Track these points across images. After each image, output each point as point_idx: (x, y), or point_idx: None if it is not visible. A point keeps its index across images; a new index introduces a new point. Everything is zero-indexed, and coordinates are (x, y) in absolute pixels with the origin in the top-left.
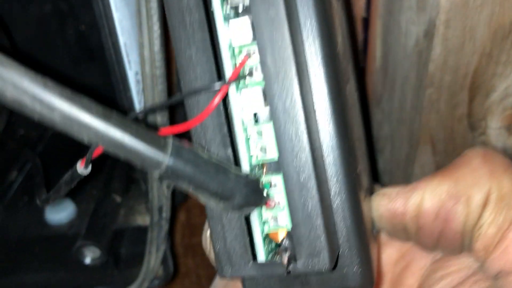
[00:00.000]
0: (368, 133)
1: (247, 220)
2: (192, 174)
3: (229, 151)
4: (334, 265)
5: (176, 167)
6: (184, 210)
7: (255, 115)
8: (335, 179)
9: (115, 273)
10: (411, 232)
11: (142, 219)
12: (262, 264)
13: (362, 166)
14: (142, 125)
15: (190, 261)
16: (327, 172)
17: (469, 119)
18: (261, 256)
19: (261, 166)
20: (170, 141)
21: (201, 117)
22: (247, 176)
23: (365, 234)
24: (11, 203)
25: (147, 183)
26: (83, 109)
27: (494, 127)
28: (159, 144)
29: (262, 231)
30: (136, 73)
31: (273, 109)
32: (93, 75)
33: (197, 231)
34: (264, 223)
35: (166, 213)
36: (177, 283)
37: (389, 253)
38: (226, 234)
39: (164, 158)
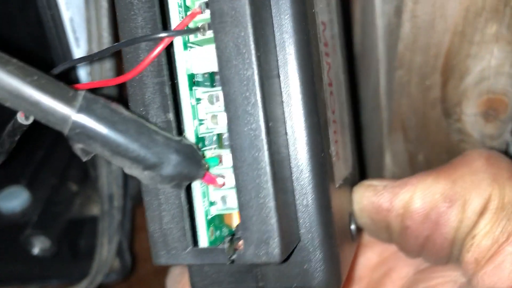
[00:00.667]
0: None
1: (190, 199)
2: (107, 133)
3: (170, 116)
4: (288, 257)
5: (85, 123)
6: None
7: (210, 74)
8: (298, 158)
9: (72, 266)
10: (394, 232)
11: (98, 209)
12: (201, 251)
13: (341, 152)
14: (49, 77)
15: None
16: (289, 149)
17: (442, 104)
18: (203, 241)
19: (218, 137)
20: (81, 93)
21: (137, 69)
22: (180, 140)
23: (332, 226)
24: None
25: (96, 169)
26: None
27: (469, 113)
28: (65, 96)
29: (207, 213)
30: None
31: (224, 73)
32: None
33: None
34: (211, 203)
35: (117, 202)
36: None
37: (369, 256)
38: (162, 214)
39: (70, 112)
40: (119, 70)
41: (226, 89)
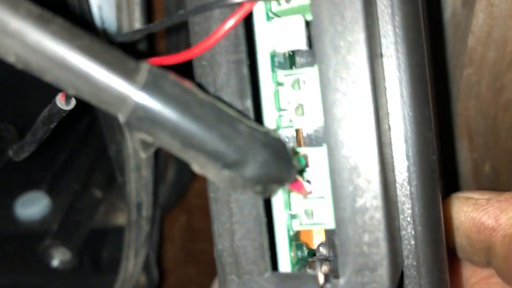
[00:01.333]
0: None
1: (268, 210)
2: (178, 119)
3: (248, 103)
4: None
5: (150, 104)
6: (185, 212)
7: (291, 55)
8: (404, 161)
9: (93, 280)
10: (497, 256)
11: (125, 218)
12: (284, 277)
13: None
14: (103, 42)
15: (191, 269)
16: (392, 149)
17: None
18: (285, 265)
19: (296, 133)
20: (146, 66)
21: (208, 43)
22: (266, 132)
23: (442, 247)
24: None
25: (124, 174)
26: (2, 3)
27: None
28: (125, 67)
29: (289, 229)
30: None
31: (320, 48)
32: None
33: (200, 236)
34: (293, 217)
35: (146, 211)
36: None
37: (454, 281)
38: (234, 227)
39: (131, 89)
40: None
41: (323, 68)
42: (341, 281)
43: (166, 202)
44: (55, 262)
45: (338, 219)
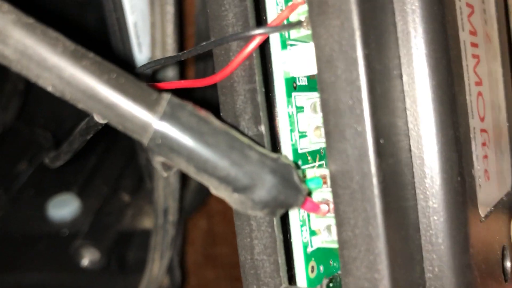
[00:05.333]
0: None
1: (287, 227)
2: (193, 146)
3: (262, 128)
4: None
5: (168, 133)
6: (205, 216)
7: (308, 80)
8: (425, 183)
9: (119, 280)
10: None
11: (151, 222)
12: None
13: (492, 170)
14: (129, 75)
15: (210, 272)
16: (413, 171)
17: None
18: (301, 280)
19: (313, 157)
20: (166, 97)
21: (224, 72)
22: (276, 158)
23: (470, 271)
24: (16, 195)
25: (152, 181)
26: (43, 41)
27: None
28: (147, 99)
29: (306, 245)
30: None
31: (322, 77)
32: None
33: (219, 240)
34: (313, 233)
35: (173, 216)
36: None
37: None
38: (254, 242)
39: (152, 118)
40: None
41: (324, 97)
42: None
43: (189, 207)
44: (85, 262)
45: (340, 242)
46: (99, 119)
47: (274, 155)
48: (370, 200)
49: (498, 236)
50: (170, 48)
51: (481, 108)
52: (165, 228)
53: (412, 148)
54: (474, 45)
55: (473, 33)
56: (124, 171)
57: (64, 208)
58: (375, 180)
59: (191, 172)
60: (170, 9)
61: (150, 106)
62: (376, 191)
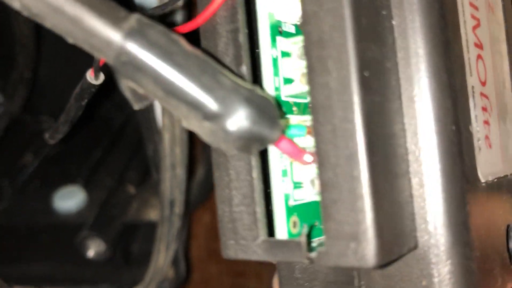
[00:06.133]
0: None
1: (266, 176)
2: (160, 65)
3: (243, 69)
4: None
5: (133, 51)
6: (209, 211)
7: (296, 29)
8: (416, 129)
9: (124, 271)
10: None
11: (156, 214)
12: (274, 244)
13: (496, 140)
14: None
15: (213, 267)
16: (403, 116)
17: None
18: (282, 233)
19: (299, 107)
20: (135, 16)
21: (206, 13)
22: (252, 89)
23: (468, 231)
24: (22, 187)
25: (159, 172)
26: None
27: None
28: (115, 14)
29: (287, 197)
30: None
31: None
32: None
33: None
34: (296, 186)
35: (179, 208)
36: None
37: None
38: (232, 193)
39: (117, 35)
40: None
41: (307, 29)
42: (328, 250)
43: (194, 201)
44: (90, 253)
45: (322, 183)
46: (91, 79)
47: (249, 86)
48: (352, 136)
49: (502, 211)
50: None
51: (482, 72)
52: (171, 220)
53: (402, 90)
54: (473, 6)
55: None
56: (130, 163)
57: (69, 199)
58: (357, 114)
59: (159, 96)
60: None
61: (117, 22)
62: (359, 125)
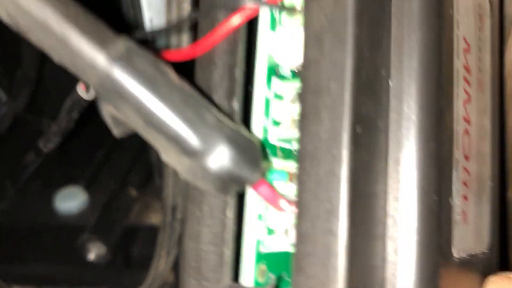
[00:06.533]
0: None
1: (240, 219)
2: (143, 95)
3: (235, 104)
4: None
5: (118, 78)
6: None
7: (292, 75)
8: (398, 194)
9: (124, 274)
10: None
11: (157, 218)
12: None
13: (471, 217)
14: (88, 12)
15: None
16: (387, 179)
17: None
18: (248, 280)
19: (284, 153)
20: (124, 40)
21: (207, 42)
22: (236, 129)
23: None
24: (23, 186)
25: (162, 178)
26: None
27: None
28: (103, 37)
29: (259, 243)
30: None
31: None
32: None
33: None
34: (270, 232)
35: (180, 214)
36: None
37: None
38: (202, 229)
39: (103, 58)
40: None
41: (306, 74)
42: None
43: None
44: (91, 256)
45: (298, 235)
46: (82, 93)
47: (234, 125)
48: (336, 190)
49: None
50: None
51: (467, 146)
52: (173, 226)
53: (389, 152)
54: (467, 81)
55: (467, 68)
56: (132, 167)
57: (71, 201)
58: (344, 169)
59: (139, 126)
60: None
61: (104, 46)
62: (344, 181)
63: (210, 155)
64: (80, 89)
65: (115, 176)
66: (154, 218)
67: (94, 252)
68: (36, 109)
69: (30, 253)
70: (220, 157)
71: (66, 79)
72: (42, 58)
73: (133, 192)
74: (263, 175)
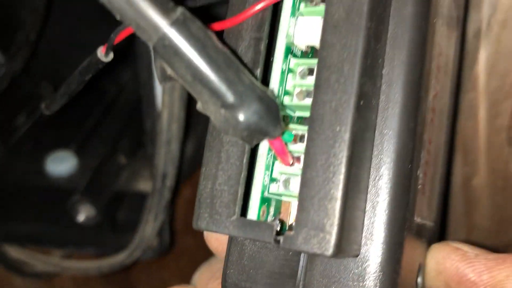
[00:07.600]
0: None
1: (252, 167)
2: (195, 54)
3: (258, 72)
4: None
5: (175, 38)
6: (189, 186)
7: (310, 52)
8: (380, 158)
9: (109, 237)
10: None
11: (145, 185)
12: (248, 223)
13: (427, 191)
14: None
15: (189, 240)
16: (373, 148)
17: (508, 133)
18: (253, 214)
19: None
20: (180, 9)
21: (238, 18)
22: (265, 90)
23: (399, 251)
24: (14, 147)
25: (154, 146)
26: None
27: None
28: (164, 5)
29: (264, 188)
30: None
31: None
32: None
33: None
34: (272, 180)
35: (170, 182)
36: (172, 260)
37: None
38: (218, 173)
39: (164, 22)
40: None
41: (324, 54)
42: (295, 235)
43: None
44: (81, 217)
45: (303, 180)
46: (101, 56)
47: (263, 87)
48: (340, 147)
49: (418, 254)
50: None
51: (431, 133)
52: (162, 192)
53: (377, 126)
54: (437, 79)
55: (438, 68)
56: (122, 134)
57: (61, 164)
58: (348, 131)
59: (187, 80)
60: None
61: (166, 11)
62: (346, 140)
63: (243, 110)
64: (100, 52)
65: (105, 142)
66: (142, 185)
67: (83, 214)
68: (31, 71)
69: (18, 212)
70: (251, 112)
71: (65, 48)
72: (45, 23)
73: (123, 159)
74: (282, 132)
